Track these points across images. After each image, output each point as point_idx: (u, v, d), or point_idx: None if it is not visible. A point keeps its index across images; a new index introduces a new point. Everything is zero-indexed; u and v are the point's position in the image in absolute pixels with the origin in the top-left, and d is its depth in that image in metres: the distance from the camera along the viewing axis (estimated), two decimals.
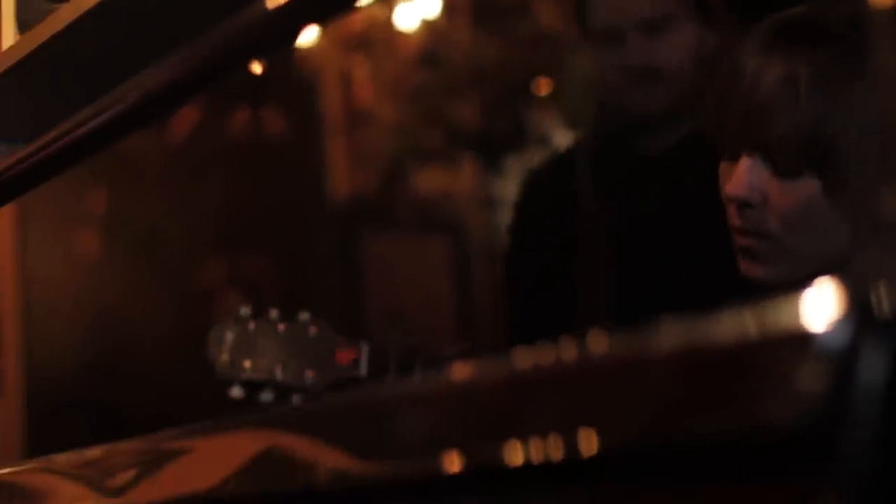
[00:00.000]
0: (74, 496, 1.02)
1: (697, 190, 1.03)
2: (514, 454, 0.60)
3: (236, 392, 1.21)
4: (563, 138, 1.24)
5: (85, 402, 1.87)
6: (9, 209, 2.11)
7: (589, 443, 0.52)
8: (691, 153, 1.10)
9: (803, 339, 0.43)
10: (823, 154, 0.93)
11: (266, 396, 1.20)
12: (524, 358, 0.60)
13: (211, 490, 0.88)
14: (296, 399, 1.22)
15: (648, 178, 1.10)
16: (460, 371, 0.68)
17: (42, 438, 1.89)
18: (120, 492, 0.97)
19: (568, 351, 0.55)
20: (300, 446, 0.83)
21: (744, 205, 0.95)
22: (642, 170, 1.11)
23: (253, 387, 1.21)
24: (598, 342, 0.53)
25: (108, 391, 1.82)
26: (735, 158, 0.96)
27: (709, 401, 0.46)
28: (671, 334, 0.47)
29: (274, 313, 1.21)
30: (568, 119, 1.23)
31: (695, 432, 0.47)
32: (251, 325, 1.21)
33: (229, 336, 1.22)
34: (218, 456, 0.90)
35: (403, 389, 0.77)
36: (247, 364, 1.20)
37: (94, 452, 1.01)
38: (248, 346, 1.21)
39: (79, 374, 1.96)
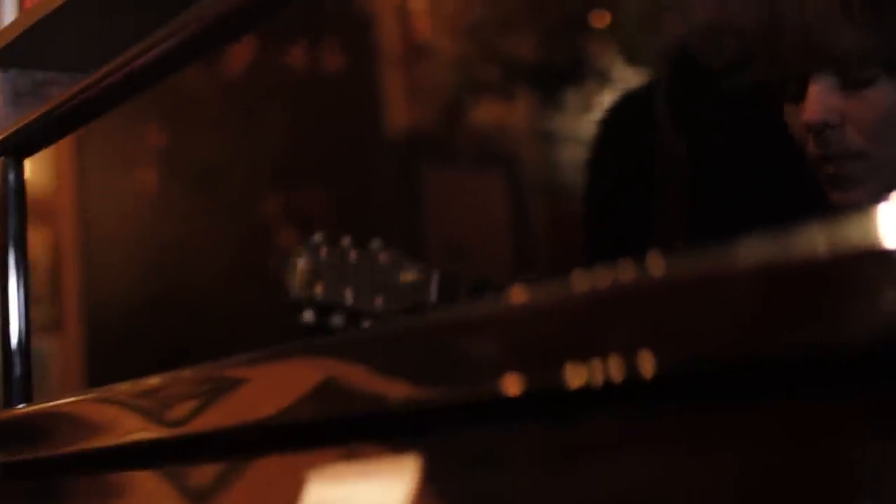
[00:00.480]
0: (133, 426, 1.04)
1: (774, 128, 1.02)
2: (578, 377, 0.60)
3: (308, 317, 1.23)
4: (621, 72, 1.23)
5: (144, 337, 1.89)
6: (68, 145, 2.13)
7: (660, 361, 0.52)
8: (763, 94, 1.08)
9: (888, 255, 0.42)
10: (892, 53, 0.91)
11: (336, 321, 1.22)
12: (586, 280, 0.59)
13: (272, 417, 0.88)
14: (366, 324, 1.24)
15: (725, 114, 1.09)
16: (523, 294, 0.68)
17: (102, 373, 1.91)
18: (179, 420, 0.98)
19: (643, 268, 0.54)
20: (362, 372, 0.83)
21: (823, 129, 0.93)
22: (718, 105, 1.10)
23: (324, 311, 1.22)
24: (669, 262, 0.52)
25: (168, 326, 1.84)
26: (800, 95, 0.94)
27: (789, 316, 0.46)
28: (751, 250, 0.47)
29: (346, 241, 1.23)
30: (626, 53, 1.22)
31: (773, 348, 0.46)
32: (323, 252, 1.23)
33: (302, 262, 1.24)
34: (278, 383, 0.91)
35: (465, 314, 0.77)
36: (318, 289, 1.22)
37: (152, 381, 1.02)
38: (320, 272, 1.23)
39: (138, 310, 1.98)
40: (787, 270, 0.46)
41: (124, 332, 2.03)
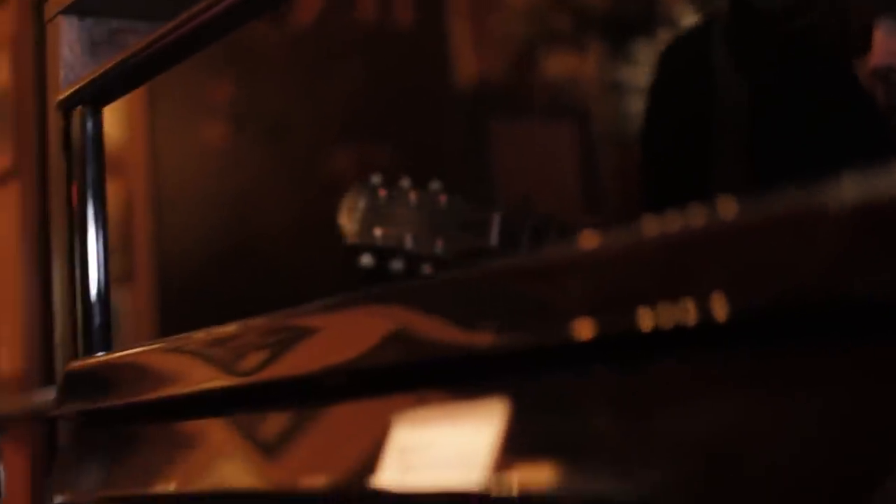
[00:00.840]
0: (205, 375, 1.05)
1: (840, 73, 1.01)
2: (651, 320, 0.61)
3: (366, 260, 1.20)
4: (685, 18, 1.22)
5: (214, 289, 1.91)
6: (140, 98, 2.14)
7: (734, 304, 0.52)
8: (829, 39, 1.07)
9: None
10: None
11: (396, 265, 1.19)
12: (657, 224, 0.60)
13: (342, 364, 0.89)
14: (426, 268, 1.24)
15: (788, 58, 1.08)
16: (593, 239, 0.69)
17: (173, 325, 1.93)
18: (251, 369, 0.99)
19: (713, 211, 0.55)
20: (431, 318, 0.84)
21: (888, 74, 0.92)
22: (783, 45, 1.09)
23: (383, 255, 1.20)
24: (741, 204, 0.53)
25: (238, 277, 1.85)
26: (865, 44, 0.93)
27: (863, 257, 0.46)
28: (825, 191, 0.47)
29: (405, 182, 1.21)
30: (697, 3, 1.21)
31: (845, 290, 0.47)
32: (382, 193, 1.21)
33: (360, 204, 1.21)
34: (349, 331, 0.92)
35: (535, 259, 0.78)
36: (377, 232, 1.20)
37: (224, 330, 1.03)
38: (379, 215, 1.21)
39: (208, 261, 1.99)
40: (861, 211, 0.46)
41: (194, 284, 2.05)
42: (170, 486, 1.02)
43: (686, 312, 0.59)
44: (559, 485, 0.64)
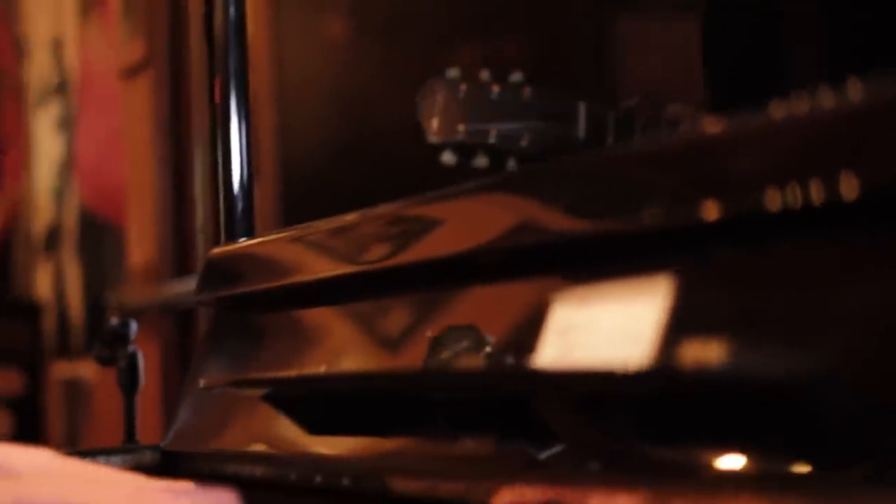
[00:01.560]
0: (327, 265, 1.07)
1: None
2: (777, 202, 0.61)
3: (448, 158, 1.17)
4: None
5: (335, 182, 1.93)
6: None
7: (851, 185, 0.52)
8: None
9: None
10: None
11: (480, 162, 1.16)
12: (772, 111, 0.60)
13: (462, 252, 0.90)
14: (511, 164, 1.19)
15: None
16: (713, 124, 0.69)
17: (297, 218, 1.96)
18: (373, 258, 1.01)
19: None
20: (545, 205, 0.85)
21: None
22: None
23: (466, 152, 1.16)
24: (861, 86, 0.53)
25: (357, 171, 1.87)
26: None
27: None
28: None
29: (485, 74, 1.17)
30: None
31: None
32: (462, 87, 1.16)
33: (440, 99, 1.16)
34: (466, 219, 0.93)
35: (655, 144, 0.78)
36: (459, 128, 1.16)
37: (345, 219, 1.04)
38: (460, 109, 1.16)
39: (329, 156, 2.02)
40: None
41: (316, 179, 2.08)
42: (317, 369, 1.05)
43: (811, 193, 0.59)
44: (726, 361, 0.64)
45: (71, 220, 3.54)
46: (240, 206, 1.23)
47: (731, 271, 0.69)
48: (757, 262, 0.67)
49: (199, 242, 1.53)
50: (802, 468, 0.61)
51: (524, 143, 1.15)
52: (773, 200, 0.64)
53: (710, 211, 0.67)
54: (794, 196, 0.63)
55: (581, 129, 1.15)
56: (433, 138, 1.17)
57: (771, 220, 0.65)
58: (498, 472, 0.81)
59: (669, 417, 0.70)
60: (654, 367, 0.68)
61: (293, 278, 1.11)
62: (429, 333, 0.92)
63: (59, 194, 3.62)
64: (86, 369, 3.36)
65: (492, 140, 1.15)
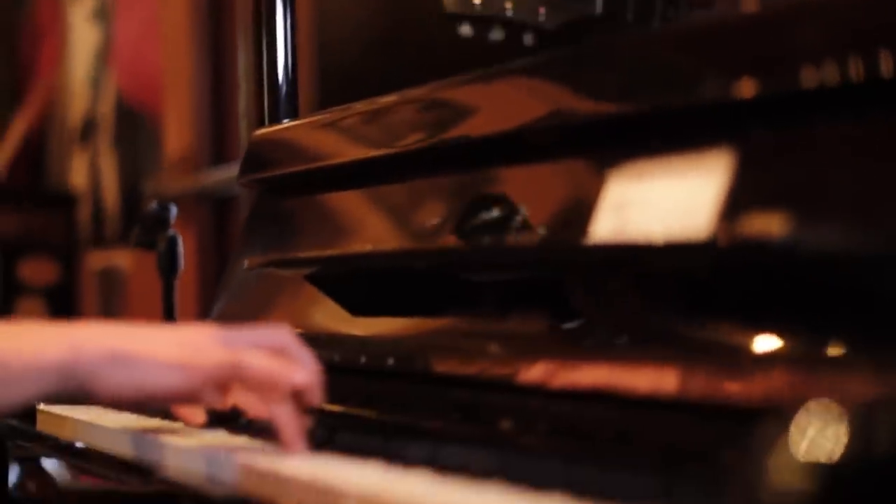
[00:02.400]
0: (369, 146, 1.07)
1: None
2: (814, 79, 0.61)
3: (465, 30, 1.16)
4: None
5: (371, 76, 1.92)
6: None
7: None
8: None
9: None
10: None
11: (496, 35, 1.15)
12: None
13: (506, 131, 0.90)
14: (528, 37, 1.17)
15: None
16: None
17: (333, 104, 1.96)
18: (404, 140, 1.01)
19: None
20: (575, 87, 0.85)
21: None
22: None
23: (482, 24, 1.15)
24: None
25: (393, 66, 1.86)
26: None
27: None
28: None
29: None
30: None
31: None
32: None
33: None
34: (497, 100, 0.93)
35: (693, 22, 0.77)
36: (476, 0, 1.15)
37: (386, 101, 1.04)
38: None
39: (365, 41, 2.00)
40: None
41: (351, 69, 2.07)
42: (359, 248, 1.05)
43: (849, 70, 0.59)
44: (784, 234, 0.64)
45: (107, 110, 3.54)
46: (284, 89, 1.23)
47: (779, 148, 0.69)
48: (807, 137, 0.67)
49: (242, 126, 1.53)
50: (849, 347, 0.61)
51: (542, 17, 1.14)
52: (819, 77, 0.64)
53: (757, 87, 0.66)
54: (839, 72, 0.63)
55: (598, 5, 1.14)
56: (449, 9, 1.16)
57: (819, 97, 0.65)
58: (538, 349, 0.81)
59: (714, 294, 0.70)
60: (701, 242, 0.68)
61: (335, 160, 1.11)
62: (470, 212, 0.92)
63: (96, 84, 3.62)
64: (121, 258, 3.38)
65: (508, 13, 1.14)
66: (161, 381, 0.81)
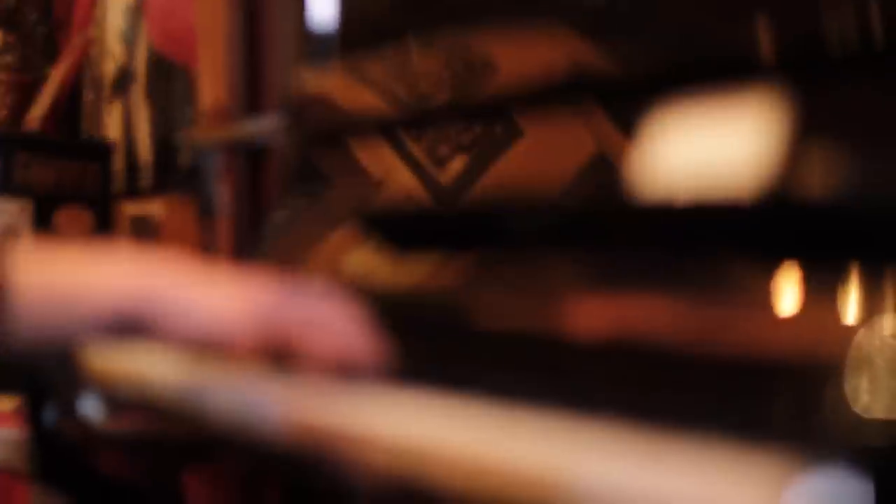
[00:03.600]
0: (410, 94, 1.07)
1: None
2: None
3: None
4: None
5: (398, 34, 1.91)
6: None
7: None
8: None
9: None
10: None
11: None
12: None
13: (518, 94, 0.90)
14: None
15: None
16: None
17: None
18: (443, 90, 1.01)
19: None
20: (605, 39, 0.84)
21: None
22: None
23: None
24: None
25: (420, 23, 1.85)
26: None
27: None
28: None
29: None
30: None
31: None
32: None
33: None
34: (522, 56, 0.92)
35: None
36: None
37: (419, 52, 1.04)
38: None
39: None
40: None
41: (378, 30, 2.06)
42: (399, 192, 1.05)
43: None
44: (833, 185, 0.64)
45: (141, 63, 3.54)
46: (325, 38, 1.23)
47: (808, 96, 0.69)
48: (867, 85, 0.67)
49: (282, 76, 1.52)
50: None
51: None
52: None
53: (792, 37, 0.66)
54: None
55: None
56: None
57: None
58: (573, 290, 0.82)
59: (758, 243, 0.71)
60: (743, 190, 0.68)
61: (376, 109, 1.11)
62: (511, 155, 0.92)
63: (130, 37, 3.63)
64: (155, 207, 3.39)
65: None
66: (214, 330, 0.83)
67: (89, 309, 0.81)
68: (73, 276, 0.83)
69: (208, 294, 0.83)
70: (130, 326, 0.83)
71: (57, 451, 1.20)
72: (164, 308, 0.82)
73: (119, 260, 0.85)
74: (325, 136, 1.20)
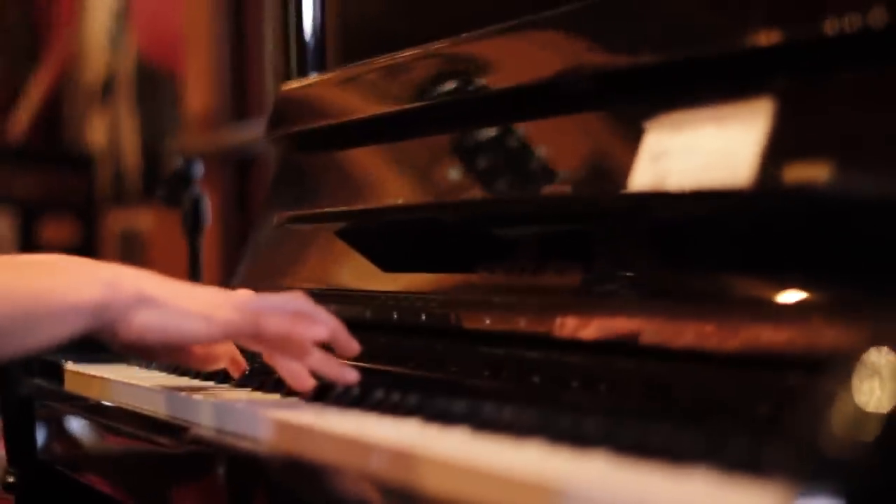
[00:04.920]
0: (400, 99, 1.05)
1: None
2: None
3: None
4: None
5: (397, 30, 1.89)
6: None
7: None
8: None
9: None
10: None
11: None
12: None
13: (537, 81, 0.88)
14: None
15: None
16: None
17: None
18: (430, 94, 0.99)
19: None
20: (601, 37, 0.83)
21: None
22: None
23: None
24: None
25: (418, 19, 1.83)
26: None
27: None
28: None
29: None
30: None
31: None
32: None
33: None
34: (516, 53, 0.91)
35: None
36: None
37: (414, 53, 1.02)
38: None
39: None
40: None
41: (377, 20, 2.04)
42: (390, 202, 1.04)
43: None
44: (824, 180, 0.63)
45: (127, 70, 3.52)
46: (311, 43, 1.21)
47: (809, 95, 0.67)
48: (852, 83, 0.65)
49: (268, 82, 1.51)
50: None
51: None
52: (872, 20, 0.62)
53: (790, 34, 0.65)
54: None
55: None
56: None
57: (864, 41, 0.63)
58: (572, 303, 0.80)
59: (755, 245, 0.69)
60: (740, 191, 0.66)
61: (362, 114, 1.09)
62: (503, 164, 0.90)
63: (115, 43, 3.61)
64: (142, 217, 3.37)
65: None
66: (185, 327, 0.82)
67: (65, 313, 0.80)
68: (45, 279, 0.81)
69: (176, 296, 0.83)
70: (104, 325, 0.81)
71: (39, 471, 1.18)
72: (135, 306, 0.81)
73: (86, 264, 0.84)
74: (311, 142, 1.18)
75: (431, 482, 0.61)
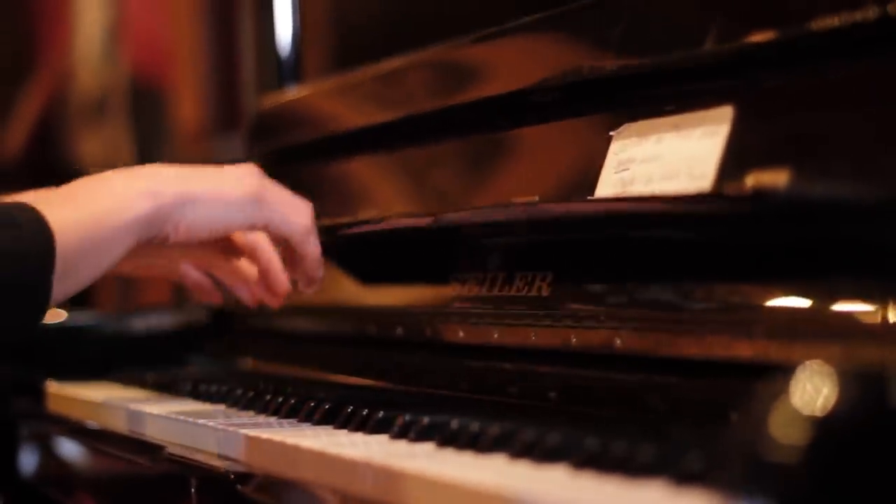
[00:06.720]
0: (378, 111, 1.05)
1: None
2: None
3: None
4: None
5: (389, 30, 1.88)
6: None
7: None
8: None
9: None
10: None
11: None
12: None
13: (513, 91, 0.88)
14: None
15: None
16: None
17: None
18: (411, 104, 0.99)
19: None
20: (596, 41, 0.82)
21: None
22: None
23: None
24: None
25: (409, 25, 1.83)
26: None
27: None
28: None
29: None
30: None
31: None
32: None
33: None
34: (513, 57, 0.91)
35: None
36: None
37: (394, 64, 1.02)
38: None
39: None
40: None
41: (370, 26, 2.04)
42: (369, 215, 1.03)
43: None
44: (788, 185, 0.62)
45: (118, 87, 3.52)
46: (287, 57, 1.21)
47: (785, 99, 0.67)
48: (811, 89, 0.65)
49: (246, 97, 1.50)
50: (856, 301, 0.59)
51: None
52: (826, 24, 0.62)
53: (766, 37, 0.64)
54: (845, 19, 0.61)
55: None
56: None
57: (823, 46, 0.63)
58: (546, 317, 0.80)
59: (721, 253, 0.69)
60: (706, 198, 0.66)
61: (342, 127, 1.09)
62: (481, 176, 0.90)
63: (106, 60, 3.60)
64: None
65: None
66: (229, 217, 0.87)
67: (120, 232, 0.82)
68: (96, 202, 0.83)
69: (216, 187, 0.88)
70: (155, 233, 0.84)
71: (23, 492, 1.18)
72: (180, 208, 0.85)
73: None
74: (294, 154, 1.18)
75: (405, 497, 0.61)
